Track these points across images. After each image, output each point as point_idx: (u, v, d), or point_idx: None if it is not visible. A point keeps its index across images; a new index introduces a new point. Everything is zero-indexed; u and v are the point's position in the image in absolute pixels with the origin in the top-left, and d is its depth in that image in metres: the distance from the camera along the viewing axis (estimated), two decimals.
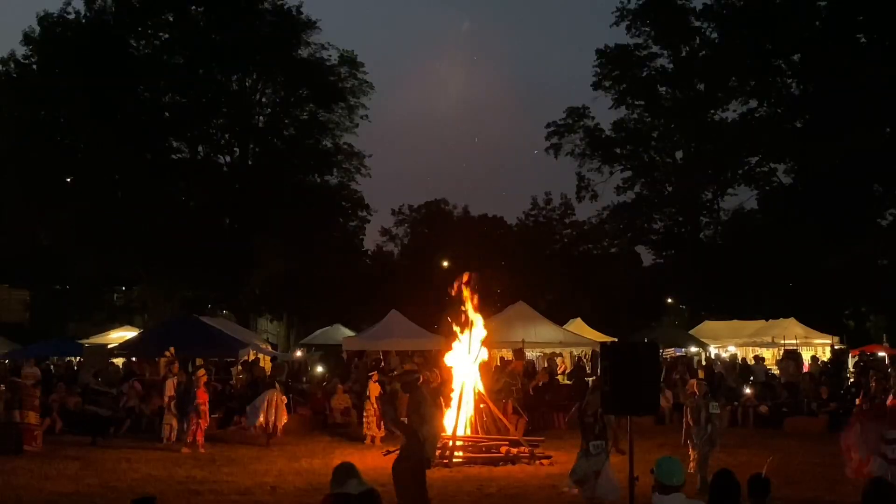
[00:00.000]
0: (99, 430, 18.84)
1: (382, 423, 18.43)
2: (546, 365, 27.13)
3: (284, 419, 18.83)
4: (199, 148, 44.11)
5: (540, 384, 22.65)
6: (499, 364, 24.64)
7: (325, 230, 44.84)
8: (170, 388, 18.35)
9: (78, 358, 29.21)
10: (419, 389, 11.20)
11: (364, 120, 45.92)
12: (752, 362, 27.81)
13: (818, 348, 31.59)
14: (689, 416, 13.11)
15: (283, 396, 19.24)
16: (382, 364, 26.34)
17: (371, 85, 45.61)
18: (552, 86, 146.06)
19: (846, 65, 37.83)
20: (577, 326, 32.93)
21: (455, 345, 17.68)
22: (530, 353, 27.60)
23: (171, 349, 20.11)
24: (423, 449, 10.41)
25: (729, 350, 33.37)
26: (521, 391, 20.94)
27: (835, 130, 37.59)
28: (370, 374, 20.05)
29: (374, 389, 19.11)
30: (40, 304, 42.65)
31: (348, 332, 34.85)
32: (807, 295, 38.43)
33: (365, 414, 19.03)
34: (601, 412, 11.21)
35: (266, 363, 27.93)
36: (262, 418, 18.16)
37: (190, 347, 23.78)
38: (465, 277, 17.72)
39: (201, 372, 18.63)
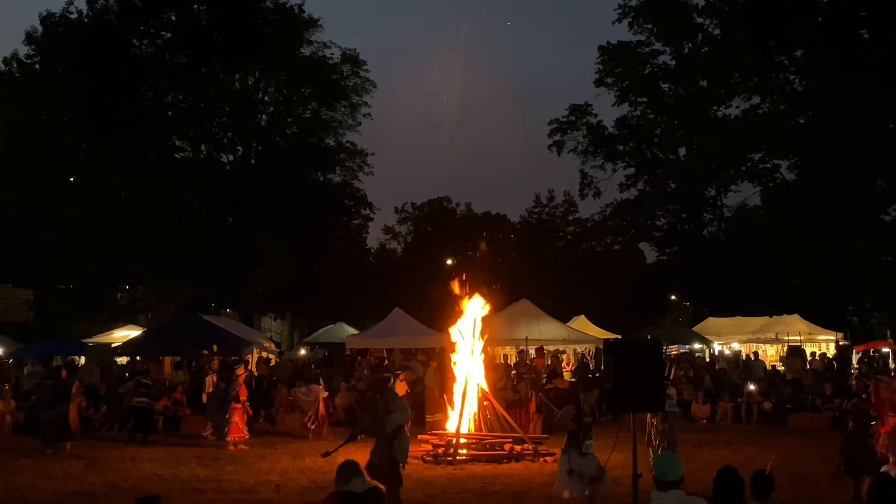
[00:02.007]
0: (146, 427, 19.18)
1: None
2: (549, 362, 27.12)
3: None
4: (202, 147, 44.14)
5: (555, 384, 22.65)
6: (502, 361, 24.67)
7: (329, 228, 44.83)
8: (209, 385, 18.60)
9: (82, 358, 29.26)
10: (389, 390, 11.17)
11: (367, 118, 45.96)
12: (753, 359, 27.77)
13: (822, 344, 31.58)
14: (650, 417, 12.88)
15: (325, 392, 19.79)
16: (386, 362, 26.35)
17: (373, 83, 45.58)
18: (555, 83, 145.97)
19: (849, 60, 37.78)
20: (581, 324, 32.92)
21: (457, 341, 17.74)
22: (533, 351, 27.58)
23: (215, 346, 20.32)
24: (389, 449, 10.41)
25: (732, 347, 33.35)
26: (543, 389, 21.06)
27: (838, 126, 37.53)
28: (397, 372, 20.14)
29: (400, 388, 19.14)
30: (44, 303, 42.67)
31: (352, 331, 34.85)
32: (810, 291, 38.40)
33: None
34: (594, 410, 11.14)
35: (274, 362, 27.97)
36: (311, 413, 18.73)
37: (193, 346, 23.84)
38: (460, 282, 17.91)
39: (240, 369, 18.88)
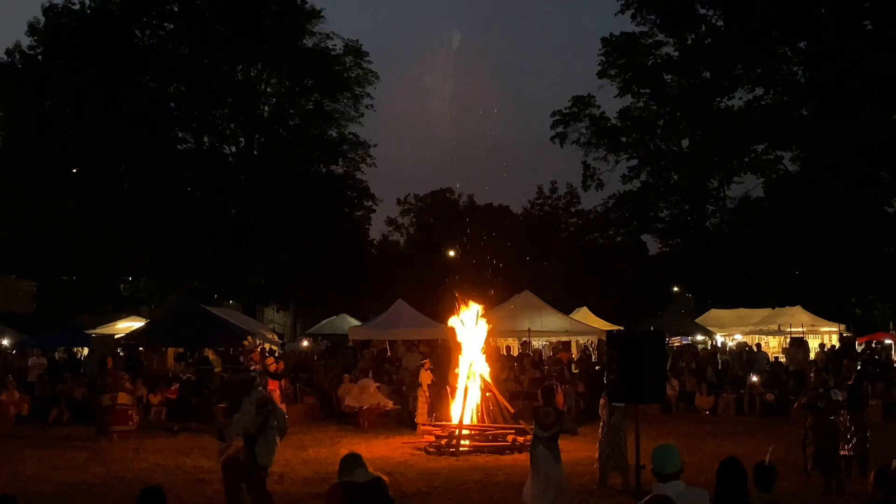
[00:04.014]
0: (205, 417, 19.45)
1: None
2: (551, 354, 27.12)
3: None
4: (205, 138, 44.17)
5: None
6: (503, 353, 24.69)
7: (331, 220, 44.85)
8: None
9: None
10: (254, 390, 10.80)
11: (369, 109, 45.94)
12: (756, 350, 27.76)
13: (825, 336, 31.52)
14: (602, 411, 12.85)
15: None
16: (389, 354, 26.39)
17: (376, 74, 45.57)
18: (557, 74, 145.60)
19: (852, 51, 37.67)
20: (584, 315, 32.88)
21: (459, 332, 17.79)
22: (536, 343, 27.58)
23: (250, 338, 20.44)
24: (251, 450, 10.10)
25: (735, 338, 33.33)
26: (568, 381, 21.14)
27: (841, 118, 37.45)
28: (423, 361, 20.25)
29: (425, 378, 19.27)
30: (47, 294, 42.77)
31: (354, 322, 34.84)
32: (813, 283, 38.35)
33: (416, 401, 19.38)
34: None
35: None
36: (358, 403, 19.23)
37: (196, 337, 23.85)
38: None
39: (270, 360, 19.03)
